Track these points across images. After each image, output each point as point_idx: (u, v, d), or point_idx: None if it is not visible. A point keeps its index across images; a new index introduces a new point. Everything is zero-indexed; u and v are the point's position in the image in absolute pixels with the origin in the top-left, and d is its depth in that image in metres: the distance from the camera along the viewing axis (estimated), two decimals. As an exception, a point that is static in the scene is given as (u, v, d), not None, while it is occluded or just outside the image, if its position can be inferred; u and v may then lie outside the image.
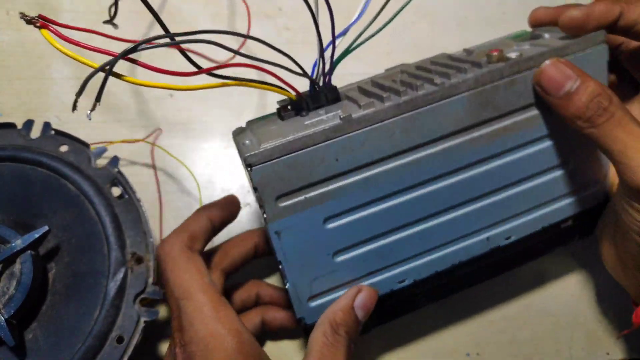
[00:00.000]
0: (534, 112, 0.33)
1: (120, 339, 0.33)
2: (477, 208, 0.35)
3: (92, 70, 0.24)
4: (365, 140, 0.30)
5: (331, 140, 0.30)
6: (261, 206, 0.31)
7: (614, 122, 0.29)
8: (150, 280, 0.35)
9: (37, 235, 0.33)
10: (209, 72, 0.27)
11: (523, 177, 0.35)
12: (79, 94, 0.23)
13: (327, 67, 0.32)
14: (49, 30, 0.24)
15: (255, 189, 0.30)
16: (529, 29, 0.38)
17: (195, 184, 0.46)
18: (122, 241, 0.36)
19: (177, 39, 0.26)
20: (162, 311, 0.42)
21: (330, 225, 0.32)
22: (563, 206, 0.37)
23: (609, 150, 0.30)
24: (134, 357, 0.33)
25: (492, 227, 0.36)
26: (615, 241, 0.34)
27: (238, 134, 0.33)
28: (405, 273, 0.35)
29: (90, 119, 0.23)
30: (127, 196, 0.38)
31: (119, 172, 0.38)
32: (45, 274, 0.35)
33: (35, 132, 0.39)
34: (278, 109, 0.33)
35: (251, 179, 0.30)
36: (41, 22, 0.23)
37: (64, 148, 0.39)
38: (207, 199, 0.44)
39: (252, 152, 0.29)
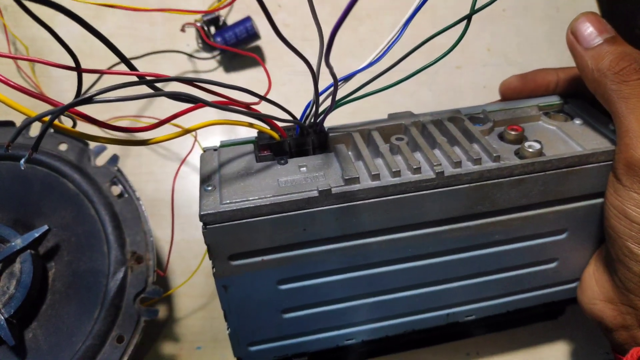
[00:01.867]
0: (532, 212, 0.30)
1: (120, 339, 0.33)
2: (444, 289, 0.33)
3: (30, 118, 0.21)
4: (339, 216, 0.27)
5: (302, 211, 0.26)
6: (211, 259, 0.27)
7: None
8: (151, 279, 0.35)
9: (36, 235, 0.33)
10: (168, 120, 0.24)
11: (500, 267, 0.33)
12: (12, 140, 0.21)
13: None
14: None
15: (207, 245, 0.27)
16: (557, 100, 0.34)
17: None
18: (122, 240, 0.36)
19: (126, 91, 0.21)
20: (162, 310, 0.42)
21: (284, 287, 0.30)
22: (535, 296, 0.35)
23: (627, 115, 0.27)
24: (134, 357, 0.33)
25: (455, 306, 0.34)
26: (612, 270, 0.31)
27: (206, 163, 0.29)
28: (354, 333, 0.33)
29: (23, 168, 0.22)
30: (126, 195, 0.38)
31: (119, 171, 0.38)
32: (45, 273, 0.34)
33: (35, 131, 0.39)
34: (256, 144, 0.30)
35: (204, 237, 0.26)
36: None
37: (63, 146, 0.39)
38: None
39: (209, 211, 0.25)
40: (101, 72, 0.23)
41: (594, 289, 0.33)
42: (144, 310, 0.34)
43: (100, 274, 0.35)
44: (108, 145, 0.41)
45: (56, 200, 0.37)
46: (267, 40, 0.51)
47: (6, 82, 0.21)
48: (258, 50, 0.52)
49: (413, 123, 0.31)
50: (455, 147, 0.29)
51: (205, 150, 0.31)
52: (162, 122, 0.24)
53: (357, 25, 0.54)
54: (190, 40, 0.52)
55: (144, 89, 0.23)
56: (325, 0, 0.53)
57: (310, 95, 0.26)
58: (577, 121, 0.32)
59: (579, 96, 0.35)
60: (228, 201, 0.26)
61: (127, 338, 0.33)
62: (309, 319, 0.32)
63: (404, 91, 0.52)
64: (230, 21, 0.51)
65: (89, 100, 0.20)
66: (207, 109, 0.25)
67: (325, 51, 0.22)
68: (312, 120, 0.29)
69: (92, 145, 0.40)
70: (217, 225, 0.26)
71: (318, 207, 0.26)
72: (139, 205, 0.38)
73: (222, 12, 0.53)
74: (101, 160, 0.39)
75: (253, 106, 0.27)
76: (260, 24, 0.49)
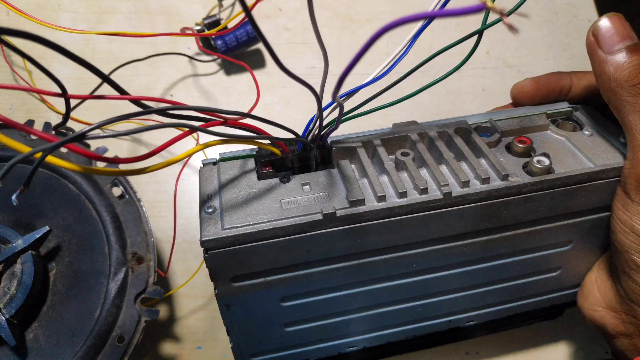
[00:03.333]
0: (539, 227, 0.30)
1: (121, 339, 0.33)
2: (447, 299, 0.33)
3: (21, 154, 0.19)
4: (344, 237, 0.26)
5: (306, 234, 0.25)
6: (213, 281, 0.27)
7: None
8: (151, 280, 0.35)
9: (38, 235, 0.33)
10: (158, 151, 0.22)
11: (503, 278, 0.33)
12: (2, 176, 0.20)
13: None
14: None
15: (209, 269, 0.26)
16: (566, 106, 0.34)
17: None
18: (123, 241, 0.36)
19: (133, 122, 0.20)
20: (163, 311, 0.42)
21: (287, 304, 0.29)
22: (536, 301, 0.35)
23: None
24: (134, 357, 0.33)
25: (457, 313, 0.34)
26: (616, 279, 0.31)
27: (205, 180, 0.28)
28: (357, 341, 0.33)
29: (15, 204, 0.21)
30: (127, 196, 0.38)
31: (120, 172, 0.39)
32: (46, 274, 0.35)
33: (37, 128, 0.40)
34: (257, 160, 0.29)
35: (205, 261, 0.26)
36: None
37: (64, 149, 0.39)
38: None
39: (211, 237, 0.24)
40: (86, 98, 0.22)
41: (596, 295, 0.33)
42: (144, 310, 0.34)
43: (101, 275, 0.35)
44: (109, 148, 0.41)
45: (57, 202, 0.37)
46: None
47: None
48: (258, 53, 0.53)
49: (419, 135, 0.30)
50: (462, 163, 0.29)
51: (204, 164, 0.30)
52: (157, 151, 0.23)
53: (357, 29, 0.54)
54: (191, 44, 0.52)
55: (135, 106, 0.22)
56: (326, 5, 0.53)
57: (310, 98, 0.27)
58: (587, 131, 0.31)
59: (591, 102, 0.34)
60: (230, 226, 0.25)
61: (127, 338, 0.33)
62: (311, 331, 0.31)
63: (403, 95, 0.52)
64: (230, 24, 0.51)
65: (82, 137, 0.20)
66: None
67: (335, 88, 0.21)
68: (316, 134, 0.28)
69: (94, 146, 0.40)
70: (218, 250, 0.25)
71: (322, 230, 0.26)
72: (140, 207, 0.38)
73: (223, 15, 0.54)
74: (102, 162, 0.39)
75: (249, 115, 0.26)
76: (261, 27, 0.50)
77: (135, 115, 0.21)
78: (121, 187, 0.38)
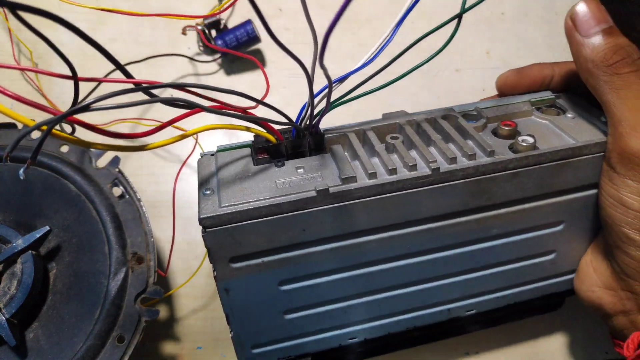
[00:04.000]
0: (529, 205, 0.31)
1: (121, 339, 0.33)
2: (444, 284, 0.33)
3: (28, 127, 0.20)
4: (338, 215, 0.27)
5: (301, 211, 0.26)
6: (212, 262, 0.27)
7: (638, 75, 0.28)
8: (151, 280, 0.35)
9: (38, 235, 0.33)
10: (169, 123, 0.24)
11: (499, 261, 0.33)
12: (10, 150, 0.20)
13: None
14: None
15: (207, 249, 0.27)
16: (551, 95, 0.35)
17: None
18: (123, 241, 0.36)
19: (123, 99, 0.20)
20: (163, 310, 0.42)
21: (285, 287, 0.30)
22: (534, 288, 0.36)
23: (619, 105, 0.28)
24: (135, 357, 0.33)
25: (456, 301, 0.34)
26: (610, 257, 0.32)
27: (204, 168, 0.30)
28: (356, 332, 0.34)
29: (22, 178, 0.21)
30: (127, 196, 0.38)
31: (120, 172, 0.39)
32: (46, 274, 0.35)
33: (36, 132, 0.40)
34: (252, 147, 0.30)
35: (204, 240, 0.26)
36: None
37: (64, 148, 0.39)
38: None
39: (209, 214, 0.25)
40: (98, 81, 0.23)
41: (592, 277, 0.33)
42: (144, 310, 0.34)
43: (101, 275, 0.35)
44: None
45: (57, 202, 0.37)
46: (267, 43, 0.51)
47: (3, 92, 0.20)
48: (259, 53, 0.53)
49: (407, 122, 0.31)
50: (449, 144, 0.30)
51: (202, 155, 0.31)
52: (159, 128, 0.24)
53: (357, 29, 0.54)
54: (191, 44, 0.52)
55: (141, 95, 0.23)
56: (326, 5, 0.53)
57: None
58: (569, 115, 0.33)
59: (574, 90, 0.35)
60: (227, 204, 0.26)
61: (127, 338, 0.33)
62: (311, 319, 0.32)
63: (403, 94, 0.52)
64: (231, 24, 0.51)
65: (86, 108, 0.20)
66: (207, 112, 0.25)
67: (320, 53, 0.22)
68: (308, 122, 0.29)
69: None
70: (216, 228, 0.26)
71: (316, 207, 0.27)
72: (140, 207, 0.38)
73: (223, 15, 0.54)
74: (102, 161, 0.39)
75: (250, 110, 0.27)
76: (261, 27, 0.50)
77: (143, 89, 0.22)
78: (121, 187, 0.38)
